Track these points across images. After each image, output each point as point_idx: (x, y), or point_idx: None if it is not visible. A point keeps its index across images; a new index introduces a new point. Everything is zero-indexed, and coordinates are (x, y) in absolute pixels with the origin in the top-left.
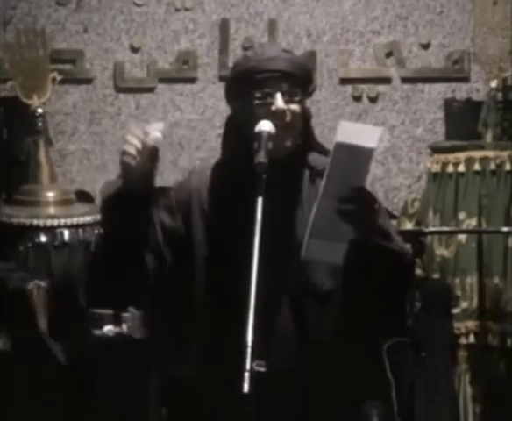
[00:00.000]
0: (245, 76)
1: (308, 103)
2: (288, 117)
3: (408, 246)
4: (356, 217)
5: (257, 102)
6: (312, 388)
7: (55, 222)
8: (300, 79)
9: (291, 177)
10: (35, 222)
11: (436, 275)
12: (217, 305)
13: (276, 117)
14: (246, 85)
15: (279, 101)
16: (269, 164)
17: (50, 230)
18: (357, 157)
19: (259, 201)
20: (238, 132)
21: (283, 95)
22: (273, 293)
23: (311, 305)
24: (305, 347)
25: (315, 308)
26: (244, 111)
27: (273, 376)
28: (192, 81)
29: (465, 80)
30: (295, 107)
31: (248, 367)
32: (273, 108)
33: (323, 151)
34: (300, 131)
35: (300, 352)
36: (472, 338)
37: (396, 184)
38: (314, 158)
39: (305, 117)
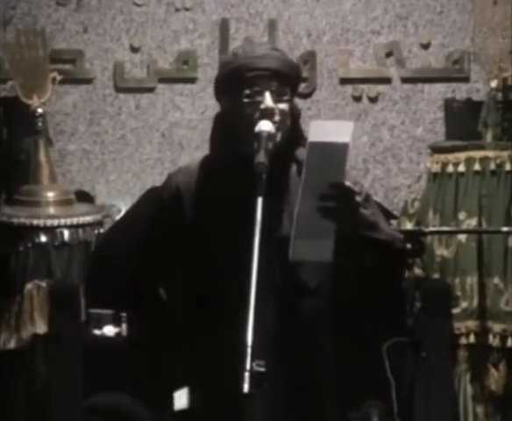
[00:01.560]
0: (235, 74)
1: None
2: (277, 117)
3: (398, 234)
4: (338, 213)
5: (246, 100)
6: (312, 389)
7: (55, 222)
8: (289, 77)
9: (279, 173)
10: (35, 222)
11: (436, 275)
12: (207, 303)
13: (265, 115)
14: (236, 83)
15: (268, 100)
16: (271, 166)
17: (50, 230)
18: (332, 154)
19: (259, 201)
20: (226, 130)
21: (272, 93)
22: (262, 290)
23: (301, 303)
24: (305, 347)
25: (305, 305)
26: (233, 109)
27: (273, 377)
28: (192, 81)
29: (465, 80)
30: (283, 106)
31: (248, 367)
32: (262, 107)
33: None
34: (288, 128)
35: (299, 352)
36: (472, 338)
37: (396, 184)
38: (301, 152)
39: (294, 114)
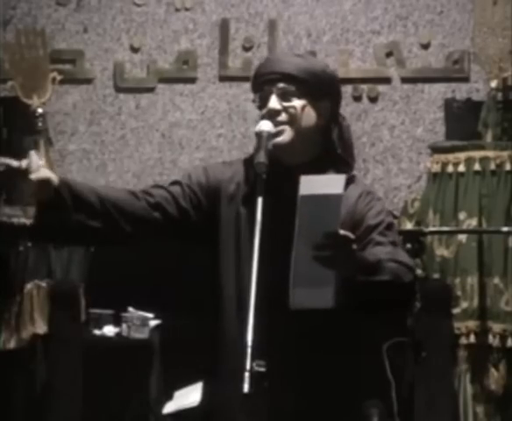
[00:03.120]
0: (252, 81)
1: None
2: (284, 117)
3: (407, 263)
4: (334, 263)
5: (258, 104)
6: (312, 389)
7: None
8: (303, 81)
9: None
10: None
11: (436, 275)
12: (235, 297)
13: (271, 116)
14: (253, 89)
15: (271, 102)
16: (284, 173)
17: None
18: (325, 205)
19: (259, 201)
20: None
21: (280, 95)
22: (276, 294)
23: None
24: (306, 347)
25: (316, 311)
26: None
27: (274, 377)
28: (192, 81)
29: (465, 80)
30: (292, 103)
31: (248, 367)
32: (266, 109)
33: (344, 164)
34: (302, 131)
35: (300, 352)
36: (472, 338)
37: (396, 184)
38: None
39: (322, 124)
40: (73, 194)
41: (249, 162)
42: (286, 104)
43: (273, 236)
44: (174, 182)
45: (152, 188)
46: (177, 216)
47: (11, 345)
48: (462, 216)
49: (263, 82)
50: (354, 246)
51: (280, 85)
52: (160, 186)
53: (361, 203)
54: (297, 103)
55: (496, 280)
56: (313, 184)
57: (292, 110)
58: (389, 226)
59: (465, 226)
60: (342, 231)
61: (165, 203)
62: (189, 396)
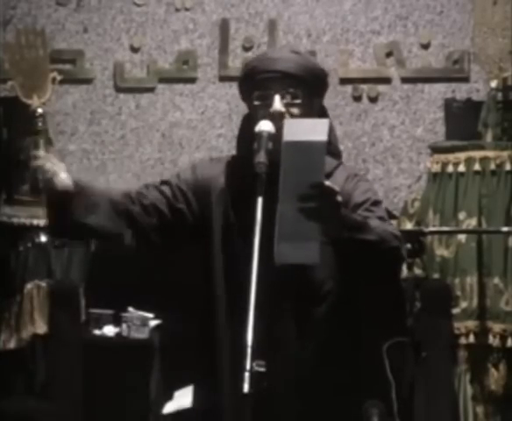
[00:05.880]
0: (248, 76)
1: None
2: (288, 118)
3: (394, 233)
4: (319, 214)
5: (256, 102)
6: (312, 388)
7: None
8: (303, 80)
9: None
10: (35, 222)
11: (436, 275)
12: (226, 296)
13: (274, 118)
14: (249, 85)
15: (276, 103)
16: (275, 166)
17: None
18: (308, 153)
19: (259, 200)
20: (245, 131)
21: (284, 96)
22: (274, 293)
23: (311, 305)
24: (305, 347)
25: (315, 308)
26: (249, 111)
27: (274, 376)
28: (192, 81)
29: (465, 80)
30: (295, 110)
31: (248, 367)
32: (271, 110)
33: (335, 153)
34: None
35: (300, 352)
36: (472, 338)
37: (396, 184)
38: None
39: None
40: (86, 199)
41: (239, 160)
42: (291, 109)
43: (269, 235)
44: (164, 182)
45: (146, 188)
46: (171, 217)
47: (11, 345)
48: (462, 216)
49: (263, 80)
50: (339, 199)
51: (284, 86)
52: (153, 186)
53: (348, 184)
54: (299, 109)
55: (496, 280)
56: (297, 129)
57: (295, 112)
58: (376, 203)
59: (464, 226)
60: (327, 182)
61: (159, 205)
62: (189, 395)
